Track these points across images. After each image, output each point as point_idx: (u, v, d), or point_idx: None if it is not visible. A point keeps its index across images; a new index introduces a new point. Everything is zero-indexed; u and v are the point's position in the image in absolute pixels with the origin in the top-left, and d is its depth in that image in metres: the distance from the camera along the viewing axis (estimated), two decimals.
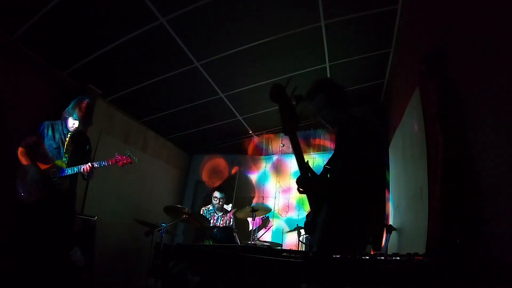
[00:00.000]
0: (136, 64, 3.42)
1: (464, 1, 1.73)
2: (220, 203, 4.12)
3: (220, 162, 5.48)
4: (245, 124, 4.96)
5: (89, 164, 2.46)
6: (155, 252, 3.30)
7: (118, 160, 2.60)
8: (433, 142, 1.89)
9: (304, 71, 3.71)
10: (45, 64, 3.20)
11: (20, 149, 2.44)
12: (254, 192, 5.10)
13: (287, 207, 4.76)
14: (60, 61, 3.26)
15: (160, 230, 3.24)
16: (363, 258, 0.81)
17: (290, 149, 5.11)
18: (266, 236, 4.36)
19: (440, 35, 2.05)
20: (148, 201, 4.61)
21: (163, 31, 2.93)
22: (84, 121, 2.51)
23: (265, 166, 5.18)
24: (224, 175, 5.34)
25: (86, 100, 2.58)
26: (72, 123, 2.48)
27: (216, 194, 4.13)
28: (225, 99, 4.19)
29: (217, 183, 5.17)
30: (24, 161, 2.40)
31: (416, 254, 0.80)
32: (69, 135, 2.54)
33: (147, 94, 3.91)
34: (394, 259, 0.78)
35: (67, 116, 2.50)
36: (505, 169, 1.21)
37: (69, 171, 2.43)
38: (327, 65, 3.64)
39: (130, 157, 2.64)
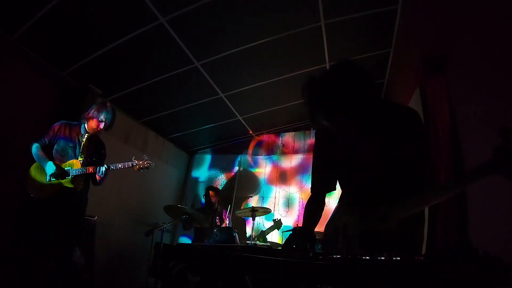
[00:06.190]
0: (136, 64, 3.42)
1: (464, 1, 1.73)
2: (213, 202, 4.17)
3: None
4: (245, 124, 4.96)
5: (106, 165, 2.48)
6: (155, 252, 3.30)
7: (135, 164, 2.61)
8: (434, 143, 1.89)
9: (304, 71, 3.70)
10: (45, 64, 3.20)
11: (34, 145, 2.46)
12: (253, 192, 5.10)
13: (286, 207, 4.76)
14: (60, 61, 3.26)
15: (160, 230, 3.24)
16: (363, 258, 0.81)
17: (290, 149, 5.11)
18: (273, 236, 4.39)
19: (440, 35, 2.05)
20: (148, 201, 4.61)
21: (163, 31, 2.92)
22: (110, 125, 2.57)
23: (265, 166, 5.18)
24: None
25: (110, 105, 2.63)
26: (97, 125, 2.51)
27: (209, 193, 4.20)
28: (225, 99, 4.19)
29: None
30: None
31: (416, 254, 0.80)
32: (86, 136, 2.56)
33: (147, 94, 3.90)
34: (394, 259, 0.78)
35: (90, 117, 2.52)
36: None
37: (84, 170, 2.44)
38: (327, 65, 3.64)
39: (147, 162, 2.66)
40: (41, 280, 2.30)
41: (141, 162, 2.65)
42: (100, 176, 2.46)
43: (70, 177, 2.42)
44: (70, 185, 2.42)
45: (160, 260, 3.11)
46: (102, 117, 2.50)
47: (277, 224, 4.11)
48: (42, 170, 2.40)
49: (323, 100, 1.07)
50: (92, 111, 2.53)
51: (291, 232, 1.36)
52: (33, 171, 2.44)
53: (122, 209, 4.13)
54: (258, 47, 3.25)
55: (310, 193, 1.48)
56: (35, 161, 2.45)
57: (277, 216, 4.42)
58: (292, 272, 0.83)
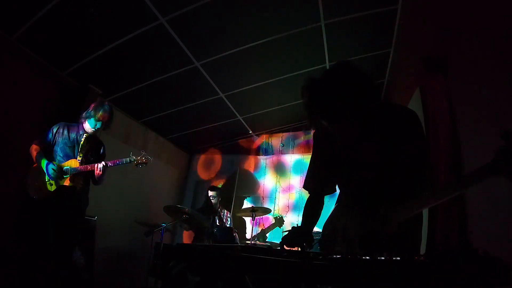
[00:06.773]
0: (136, 64, 3.42)
1: (464, 1, 1.73)
2: (214, 202, 4.16)
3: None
4: (245, 124, 4.96)
5: (103, 162, 2.46)
6: (155, 252, 3.30)
7: (133, 159, 2.61)
8: (434, 143, 1.89)
9: (304, 71, 3.70)
10: (45, 64, 3.20)
11: (33, 146, 2.46)
12: (253, 192, 5.10)
13: (287, 207, 4.76)
14: (60, 61, 3.26)
15: (160, 230, 3.24)
16: (363, 258, 0.81)
17: (290, 149, 5.11)
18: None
19: (440, 35, 2.05)
20: (148, 201, 4.61)
21: (163, 31, 2.92)
22: (108, 123, 2.56)
23: (265, 166, 5.18)
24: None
25: (108, 104, 2.62)
26: (94, 125, 2.50)
27: (210, 193, 4.19)
28: (225, 99, 4.19)
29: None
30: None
31: (415, 254, 0.80)
32: (84, 136, 2.56)
33: (147, 94, 3.90)
34: (394, 259, 0.78)
35: (88, 117, 2.51)
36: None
37: (83, 169, 2.44)
38: (327, 65, 3.64)
39: (145, 157, 2.66)
40: (41, 280, 2.30)
41: (139, 158, 2.64)
42: (98, 174, 2.46)
43: (68, 175, 2.42)
44: (70, 184, 2.43)
45: (160, 260, 3.11)
46: (99, 115, 2.50)
47: (279, 222, 4.09)
48: (41, 171, 2.40)
49: (323, 100, 1.06)
50: (90, 110, 2.53)
51: (290, 229, 1.37)
52: (32, 173, 2.44)
53: (122, 209, 4.13)
54: (258, 47, 3.24)
55: (309, 193, 1.47)
56: (34, 162, 2.45)
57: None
58: (292, 272, 0.83)
